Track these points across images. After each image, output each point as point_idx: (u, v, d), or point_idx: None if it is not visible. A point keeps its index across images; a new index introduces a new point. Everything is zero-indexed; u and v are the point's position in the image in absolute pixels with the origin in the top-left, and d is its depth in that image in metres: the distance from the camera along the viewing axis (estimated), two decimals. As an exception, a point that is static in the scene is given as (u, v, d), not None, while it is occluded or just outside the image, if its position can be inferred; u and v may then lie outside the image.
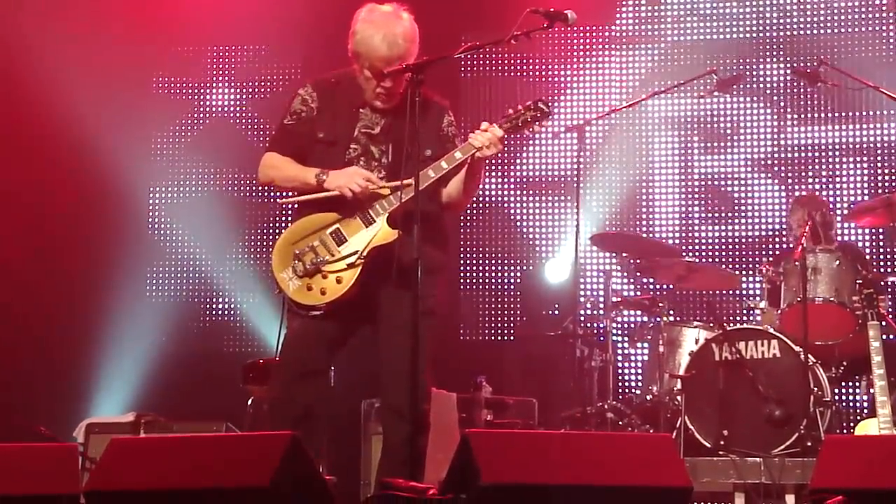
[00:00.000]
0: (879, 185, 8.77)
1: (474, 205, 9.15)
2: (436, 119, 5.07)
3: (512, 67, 9.41)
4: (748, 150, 9.05)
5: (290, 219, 5.15)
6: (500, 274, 9.34)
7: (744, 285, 8.38)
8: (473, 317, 9.29)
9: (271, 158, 5.11)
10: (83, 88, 8.77)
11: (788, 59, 9.01)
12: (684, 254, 8.29)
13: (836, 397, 7.15)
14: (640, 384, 8.15)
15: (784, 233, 8.58)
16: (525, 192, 9.36)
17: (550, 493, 3.95)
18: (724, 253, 8.94)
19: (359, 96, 5.05)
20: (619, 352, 8.40)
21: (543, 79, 9.33)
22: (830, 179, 8.86)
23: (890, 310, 6.74)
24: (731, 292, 8.40)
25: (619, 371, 8.56)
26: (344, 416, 7.18)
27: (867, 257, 7.95)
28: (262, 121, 9.51)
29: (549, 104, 5.01)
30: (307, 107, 5.09)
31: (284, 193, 5.23)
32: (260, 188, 9.31)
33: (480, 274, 9.35)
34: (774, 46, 9.10)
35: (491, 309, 9.29)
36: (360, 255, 4.89)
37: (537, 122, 4.99)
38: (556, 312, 8.79)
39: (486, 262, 9.35)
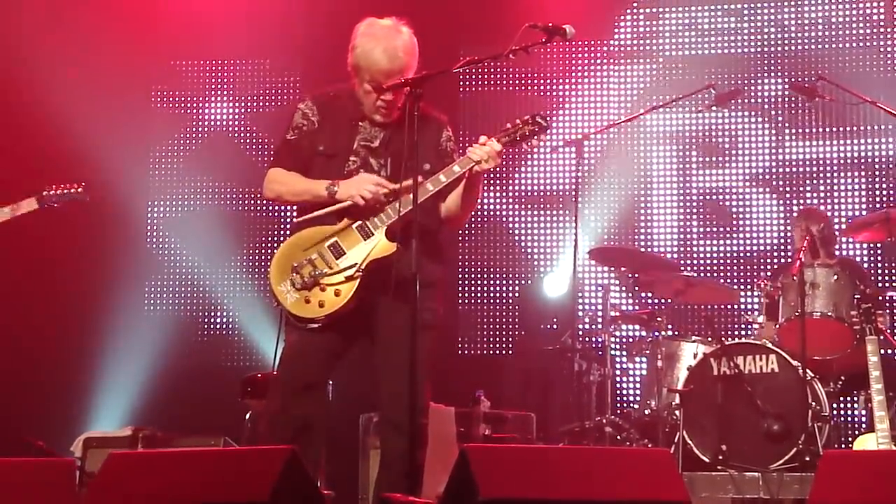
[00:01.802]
0: (877, 199, 8.78)
1: (473, 219, 9.15)
2: (434, 133, 5.08)
3: (510, 82, 9.43)
4: (746, 164, 9.06)
5: (288, 232, 5.15)
6: (498, 288, 9.34)
7: (742, 300, 8.38)
8: (472, 331, 9.29)
9: (277, 174, 5.11)
10: (82, 102, 8.78)
11: (786, 74, 9.04)
12: (682, 268, 8.29)
13: (835, 412, 7.15)
14: (638, 399, 8.14)
15: (782, 247, 8.61)
16: (523, 207, 9.37)
17: (549, 508, 3.95)
18: (722, 267, 8.94)
19: (358, 110, 5.06)
20: (618, 366, 8.39)
21: (542, 93, 9.36)
22: (828, 194, 8.87)
23: (888, 325, 6.73)
24: (729, 306, 8.40)
25: (618, 385, 8.55)
26: (342, 431, 7.17)
27: (866, 272, 7.95)
28: (261, 135, 9.53)
29: (547, 118, 5.01)
30: (308, 120, 5.10)
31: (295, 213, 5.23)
32: (258, 202, 9.33)
33: (479, 288, 9.35)
34: (772, 61, 9.12)
35: (489, 323, 9.29)
36: (358, 268, 4.89)
37: (535, 137, 4.99)
38: (555, 327, 8.80)
39: (485, 276, 9.35)
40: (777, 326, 7.09)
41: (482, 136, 4.94)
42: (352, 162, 5.03)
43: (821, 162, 8.95)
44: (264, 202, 9.16)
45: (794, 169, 8.98)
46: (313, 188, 4.98)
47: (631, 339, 8.49)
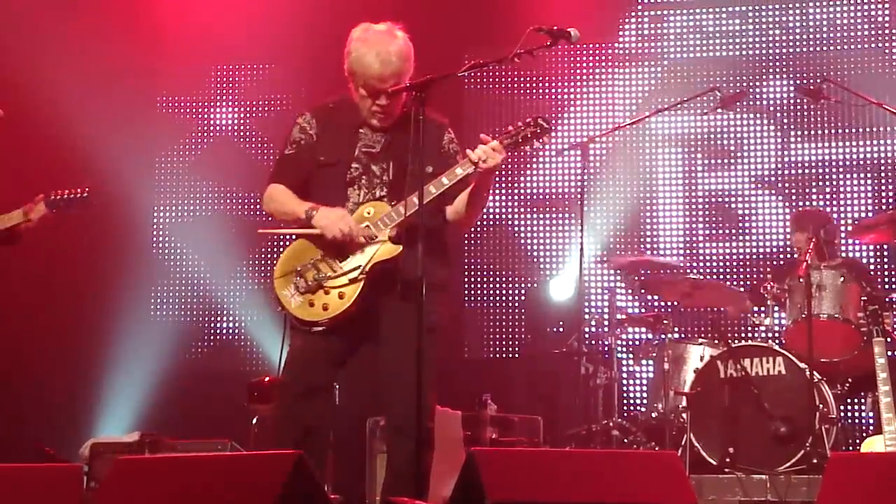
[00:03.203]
0: (883, 201, 8.77)
1: (479, 222, 9.16)
2: (436, 136, 5.07)
3: (515, 85, 9.43)
4: (752, 166, 9.06)
5: (292, 237, 5.15)
6: (504, 291, 9.34)
7: (748, 302, 8.36)
8: (478, 334, 9.29)
9: (274, 191, 5.09)
10: (88, 108, 8.79)
11: (791, 76, 9.03)
12: (688, 271, 8.28)
13: (842, 414, 7.14)
14: (645, 401, 8.14)
15: (788, 250, 8.59)
16: (529, 210, 9.37)
17: (556, 512, 3.95)
18: (728, 270, 8.93)
19: (358, 117, 5.05)
20: (624, 369, 8.40)
21: (547, 96, 9.36)
22: (834, 196, 8.86)
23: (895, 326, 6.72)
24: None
25: (625, 388, 8.55)
26: (348, 435, 7.16)
27: (872, 274, 7.94)
28: (266, 140, 9.54)
29: (550, 121, 5.01)
30: (306, 134, 5.10)
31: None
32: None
33: (485, 291, 9.35)
34: (777, 63, 9.12)
35: (495, 326, 9.29)
36: (362, 271, 4.89)
37: (538, 139, 4.98)
38: (561, 330, 8.79)
39: (491, 279, 9.35)
40: (784, 328, 7.08)
41: (483, 134, 4.93)
42: (354, 169, 5.02)
43: (826, 164, 8.94)
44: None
45: (800, 171, 8.98)
46: (297, 211, 4.98)
47: (637, 342, 8.49)
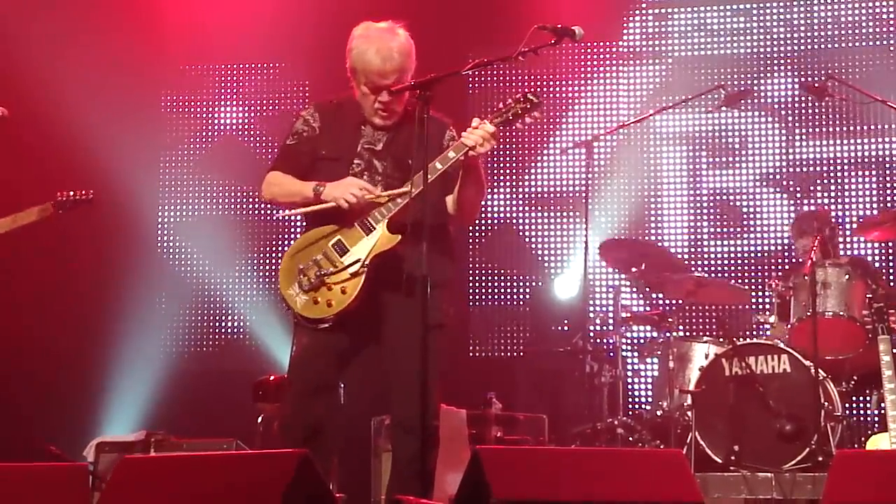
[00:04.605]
0: (888, 198, 8.76)
1: (483, 221, 9.17)
2: (437, 134, 5.06)
3: (519, 84, 9.41)
4: (756, 164, 9.05)
5: (298, 235, 5.17)
6: (509, 290, 9.34)
7: (753, 300, 8.36)
8: (483, 333, 9.30)
9: (273, 176, 5.14)
10: (93, 108, 8.80)
11: (796, 73, 9.03)
12: (693, 269, 8.28)
13: (847, 412, 7.13)
14: (650, 400, 8.14)
15: (793, 247, 8.59)
16: (534, 209, 9.37)
17: (561, 510, 3.95)
18: (733, 268, 8.93)
19: (360, 114, 5.07)
20: (629, 367, 8.38)
21: (551, 95, 9.35)
22: (839, 193, 8.86)
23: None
24: (740, 307, 8.38)
25: (629, 387, 8.54)
26: (353, 433, 7.17)
27: (877, 271, 7.93)
28: (271, 139, 9.54)
29: (539, 94, 4.98)
30: (309, 126, 5.13)
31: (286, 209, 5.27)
32: (268, 206, 9.34)
33: (490, 290, 9.35)
34: (782, 61, 9.11)
35: (500, 325, 9.29)
36: (362, 264, 4.89)
37: (528, 114, 4.94)
38: (566, 328, 8.80)
39: (496, 278, 9.35)
40: (789, 326, 7.08)
41: (475, 118, 4.91)
42: (356, 165, 5.04)
43: (831, 161, 8.94)
44: (274, 206, 9.19)
45: (805, 168, 8.97)
46: (302, 189, 5.01)
47: (642, 340, 8.48)
